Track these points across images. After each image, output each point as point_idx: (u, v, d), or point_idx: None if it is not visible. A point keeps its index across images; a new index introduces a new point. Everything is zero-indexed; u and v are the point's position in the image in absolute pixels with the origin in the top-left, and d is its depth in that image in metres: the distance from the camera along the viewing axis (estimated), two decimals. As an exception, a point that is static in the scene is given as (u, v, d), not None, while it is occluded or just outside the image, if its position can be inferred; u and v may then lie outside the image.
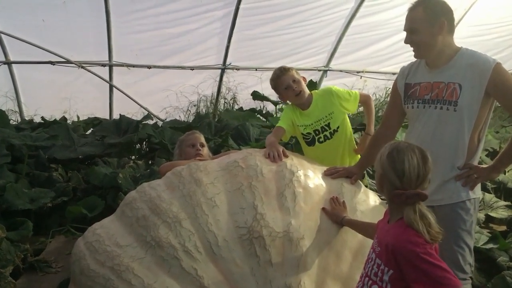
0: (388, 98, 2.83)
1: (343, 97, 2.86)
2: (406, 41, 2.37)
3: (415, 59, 2.47)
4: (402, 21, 2.36)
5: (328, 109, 2.84)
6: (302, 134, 2.92)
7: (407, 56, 2.80)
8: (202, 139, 3.18)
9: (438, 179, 2.29)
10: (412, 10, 2.30)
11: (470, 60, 2.24)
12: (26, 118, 6.30)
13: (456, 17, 2.36)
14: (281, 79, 2.82)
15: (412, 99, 2.41)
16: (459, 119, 2.24)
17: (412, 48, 2.37)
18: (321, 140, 2.88)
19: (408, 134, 2.51)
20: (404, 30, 2.36)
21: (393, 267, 1.57)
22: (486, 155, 5.20)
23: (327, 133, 2.86)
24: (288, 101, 2.96)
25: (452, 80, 2.26)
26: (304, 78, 2.89)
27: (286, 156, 2.36)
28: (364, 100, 2.97)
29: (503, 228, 4.09)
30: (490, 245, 3.24)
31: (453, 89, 2.24)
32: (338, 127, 2.86)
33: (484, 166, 2.39)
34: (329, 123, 2.85)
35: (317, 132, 2.87)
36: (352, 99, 2.89)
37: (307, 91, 2.87)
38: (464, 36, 6.73)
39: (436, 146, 2.28)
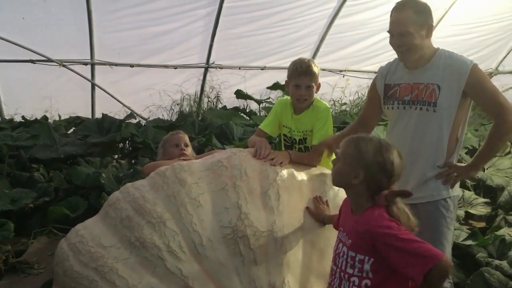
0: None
1: (318, 125, 2.64)
2: (394, 43, 2.31)
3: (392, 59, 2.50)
4: (383, 20, 2.36)
5: (310, 125, 2.67)
6: (284, 135, 2.84)
7: (389, 55, 2.81)
8: (186, 139, 3.16)
9: (418, 178, 2.35)
10: (400, 12, 2.25)
11: (448, 61, 2.29)
12: (6, 118, 6.17)
13: (437, 17, 2.39)
14: (300, 78, 2.59)
15: (392, 100, 2.45)
16: (438, 119, 2.29)
17: (394, 49, 2.36)
18: (296, 150, 2.76)
19: (389, 134, 2.55)
20: (393, 32, 2.30)
21: (373, 254, 1.59)
22: (466, 153, 5.28)
23: (302, 146, 2.75)
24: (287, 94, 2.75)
25: (430, 81, 2.30)
26: (319, 85, 2.66)
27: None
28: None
29: (482, 224, 4.17)
30: (469, 242, 3.31)
31: (432, 90, 2.28)
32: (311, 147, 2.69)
33: (463, 164, 2.45)
34: (305, 138, 2.73)
35: (295, 141, 2.77)
36: (317, 134, 2.64)
37: (311, 99, 2.66)
38: (443, 36, 6.82)
39: (417, 146, 2.34)
